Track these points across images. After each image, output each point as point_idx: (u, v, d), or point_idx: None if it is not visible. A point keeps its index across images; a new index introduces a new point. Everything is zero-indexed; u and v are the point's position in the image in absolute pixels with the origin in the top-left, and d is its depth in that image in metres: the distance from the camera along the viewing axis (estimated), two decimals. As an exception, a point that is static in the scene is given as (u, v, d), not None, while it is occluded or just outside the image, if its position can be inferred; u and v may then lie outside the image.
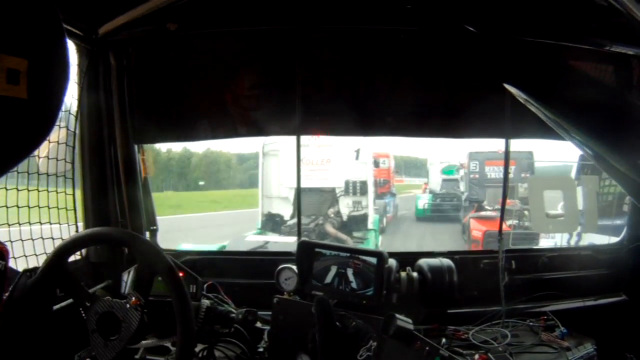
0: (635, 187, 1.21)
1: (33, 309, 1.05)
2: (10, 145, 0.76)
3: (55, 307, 1.27)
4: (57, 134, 1.60)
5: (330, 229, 7.80)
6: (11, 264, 1.38)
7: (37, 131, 0.82)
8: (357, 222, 8.13)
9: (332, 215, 8.14)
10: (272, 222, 8.09)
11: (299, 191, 2.22)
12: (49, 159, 1.56)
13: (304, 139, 7.45)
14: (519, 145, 8.98)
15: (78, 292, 1.13)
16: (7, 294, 1.06)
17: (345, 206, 8.33)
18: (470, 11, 1.51)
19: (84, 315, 1.11)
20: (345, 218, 8.23)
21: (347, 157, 8.37)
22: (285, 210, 8.18)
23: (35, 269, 1.13)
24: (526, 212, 7.77)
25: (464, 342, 1.53)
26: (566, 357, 1.45)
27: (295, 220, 7.76)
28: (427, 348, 1.24)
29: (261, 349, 1.42)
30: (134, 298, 1.11)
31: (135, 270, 1.27)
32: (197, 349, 1.31)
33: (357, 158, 8.39)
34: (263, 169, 8.57)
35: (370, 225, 8.18)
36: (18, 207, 1.46)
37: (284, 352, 1.32)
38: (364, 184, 8.33)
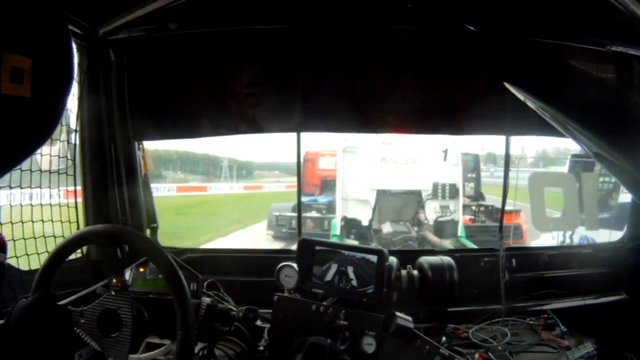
0: (636, 185, 1.21)
1: (32, 328, 1.05)
2: (13, 144, 0.76)
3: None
4: (59, 132, 1.61)
5: (431, 236, 6.78)
6: (13, 262, 1.40)
7: (41, 130, 0.82)
8: (445, 229, 7.16)
9: (424, 221, 7.20)
10: (351, 228, 7.23)
11: (299, 192, 2.22)
12: (51, 156, 1.57)
13: (386, 136, 7.04)
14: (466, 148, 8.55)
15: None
16: (4, 320, 1.06)
17: (432, 211, 7.45)
18: (470, 10, 1.51)
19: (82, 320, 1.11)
20: (431, 224, 7.30)
21: (434, 157, 7.50)
22: (365, 215, 7.39)
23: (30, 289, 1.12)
24: (482, 208, 7.97)
25: (464, 341, 1.53)
26: (566, 357, 1.45)
27: (378, 225, 7.20)
28: (427, 347, 1.24)
29: (261, 347, 1.42)
30: (114, 280, 1.12)
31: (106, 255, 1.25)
32: (197, 348, 1.31)
33: (445, 159, 7.53)
34: (341, 169, 7.73)
35: (459, 233, 7.26)
36: (21, 205, 1.46)
37: (284, 350, 1.32)
38: (453, 187, 7.41)
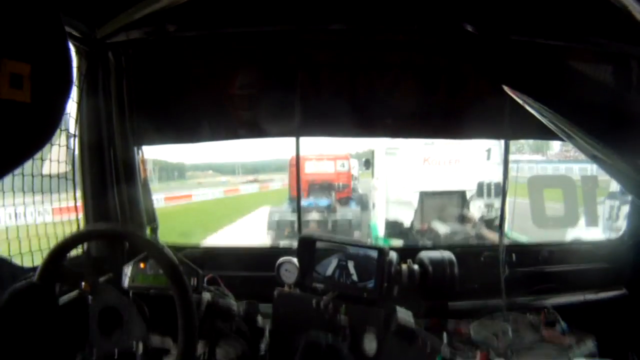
0: (635, 186, 1.22)
1: (34, 309, 1.05)
2: (13, 148, 0.77)
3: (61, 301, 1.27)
4: (58, 137, 1.60)
5: (489, 233, 6.91)
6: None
7: (40, 134, 0.82)
8: (490, 227, 7.23)
9: (474, 219, 7.33)
10: (396, 231, 7.31)
11: (299, 193, 2.23)
12: (51, 161, 1.56)
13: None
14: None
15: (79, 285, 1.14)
16: (7, 298, 1.07)
17: (476, 209, 7.57)
18: (469, 11, 1.51)
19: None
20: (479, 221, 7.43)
21: (477, 157, 7.59)
22: (407, 217, 7.44)
23: (34, 268, 1.13)
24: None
25: (465, 338, 1.54)
26: (567, 354, 1.46)
27: (422, 226, 7.26)
28: (429, 346, 1.24)
29: (263, 345, 1.42)
30: (83, 283, 1.12)
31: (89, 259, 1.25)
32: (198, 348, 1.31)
33: (488, 158, 7.60)
34: (379, 171, 7.79)
35: (506, 229, 7.35)
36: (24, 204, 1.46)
37: (285, 346, 1.32)
38: (497, 186, 7.43)
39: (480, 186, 7.46)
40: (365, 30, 1.81)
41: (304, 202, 8.98)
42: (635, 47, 1.46)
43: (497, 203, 7.41)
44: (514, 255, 1.87)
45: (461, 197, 7.58)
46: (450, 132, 2.03)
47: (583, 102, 1.23)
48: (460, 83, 1.87)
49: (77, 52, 1.68)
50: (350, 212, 9.43)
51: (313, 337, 1.26)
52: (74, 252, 1.35)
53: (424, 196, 7.51)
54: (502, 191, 1.95)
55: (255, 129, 1.94)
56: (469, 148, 7.51)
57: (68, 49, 0.83)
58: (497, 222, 7.09)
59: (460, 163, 7.54)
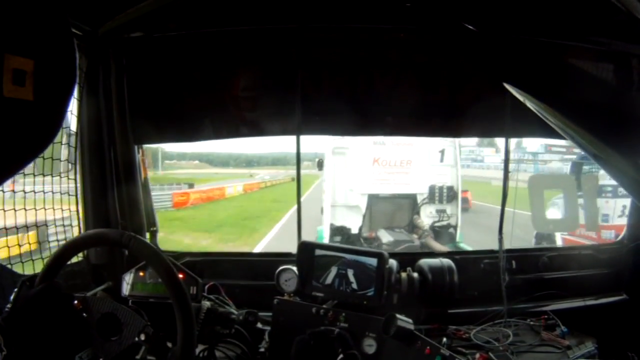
0: (635, 186, 1.21)
1: (37, 317, 1.05)
2: (16, 148, 0.75)
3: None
4: (61, 135, 1.60)
5: (435, 244, 6.45)
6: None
7: (44, 134, 0.81)
8: (442, 235, 6.87)
9: (422, 227, 6.83)
10: (342, 238, 6.60)
11: (299, 194, 2.22)
12: (53, 160, 1.56)
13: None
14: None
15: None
16: (9, 306, 1.07)
17: (427, 215, 7.09)
18: (469, 10, 1.51)
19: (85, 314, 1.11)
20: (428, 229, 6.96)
21: (430, 158, 7.10)
22: (353, 222, 6.88)
23: (34, 276, 1.12)
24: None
25: (465, 342, 1.53)
26: (567, 356, 1.45)
27: (370, 233, 6.82)
28: (427, 348, 1.24)
29: (262, 349, 1.42)
30: (76, 302, 1.12)
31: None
32: (197, 350, 1.31)
33: (442, 160, 7.14)
34: (327, 172, 7.13)
35: (457, 238, 6.99)
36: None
37: (284, 353, 1.31)
38: (450, 190, 7.08)
39: (432, 190, 7.03)
40: (366, 28, 1.81)
41: None
42: (635, 46, 1.46)
43: (449, 209, 7.08)
44: (513, 262, 1.87)
45: (412, 202, 7.13)
46: (450, 130, 2.03)
47: (584, 101, 1.23)
48: (460, 81, 1.86)
49: (78, 50, 1.67)
50: None
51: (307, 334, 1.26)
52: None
53: (373, 200, 7.05)
54: (502, 193, 1.93)
55: (256, 127, 1.93)
56: (421, 149, 7.06)
57: (73, 45, 0.81)
58: (450, 230, 6.94)
59: (412, 164, 7.04)
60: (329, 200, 7.13)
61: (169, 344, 1.29)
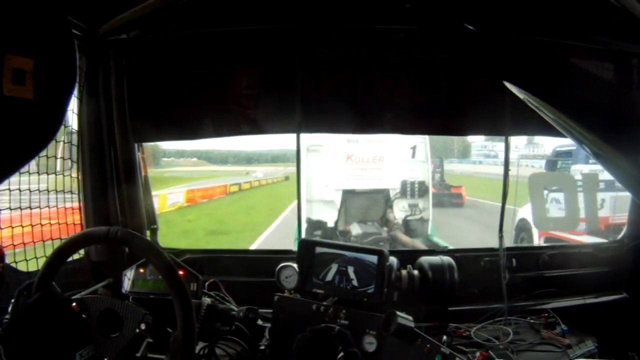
0: (636, 185, 1.21)
1: (36, 325, 1.05)
2: (17, 147, 0.76)
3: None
4: (61, 134, 1.61)
5: (402, 236, 6.64)
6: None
7: (44, 132, 0.81)
8: (414, 228, 7.07)
9: (394, 221, 7.01)
10: (316, 231, 6.67)
11: (299, 193, 2.23)
12: (56, 158, 1.57)
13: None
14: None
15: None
16: (8, 316, 1.07)
17: (400, 210, 7.29)
18: (469, 9, 1.51)
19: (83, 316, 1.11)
20: (401, 223, 7.13)
21: (402, 155, 7.33)
22: (330, 217, 7.03)
23: (30, 284, 1.12)
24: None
25: (465, 340, 1.53)
26: (567, 355, 1.45)
27: (345, 227, 6.96)
28: (428, 346, 1.24)
29: (262, 347, 1.42)
30: (74, 304, 1.12)
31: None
32: (198, 347, 1.31)
33: (413, 156, 7.37)
34: (304, 169, 7.17)
35: (429, 231, 7.21)
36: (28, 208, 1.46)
37: (284, 350, 1.32)
38: (422, 185, 7.32)
39: (403, 185, 7.27)
40: (365, 28, 1.81)
41: None
42: (635, 45, 1.46)
43: (421, 203, 7.29)
44: (514, 260, 1.87)
45: (385, 197, 7.32)
46: (450, 128, 2.03)
47: (584, 100, 1.23)
48: (460, 80, 1.87)
49: (78, 50, 1.67)
50: None
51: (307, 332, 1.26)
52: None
53: (347, 195, 7.28)
54: (502, 191, 1.94)
55: (256, 126, 1.93)
56: (393, 146, 7.29)
57: (72, 45, 0.82)
58: (422, 224, 7.13)
59: (385, 161, 7.28)
60: (304, 196, 7.08)
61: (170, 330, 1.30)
